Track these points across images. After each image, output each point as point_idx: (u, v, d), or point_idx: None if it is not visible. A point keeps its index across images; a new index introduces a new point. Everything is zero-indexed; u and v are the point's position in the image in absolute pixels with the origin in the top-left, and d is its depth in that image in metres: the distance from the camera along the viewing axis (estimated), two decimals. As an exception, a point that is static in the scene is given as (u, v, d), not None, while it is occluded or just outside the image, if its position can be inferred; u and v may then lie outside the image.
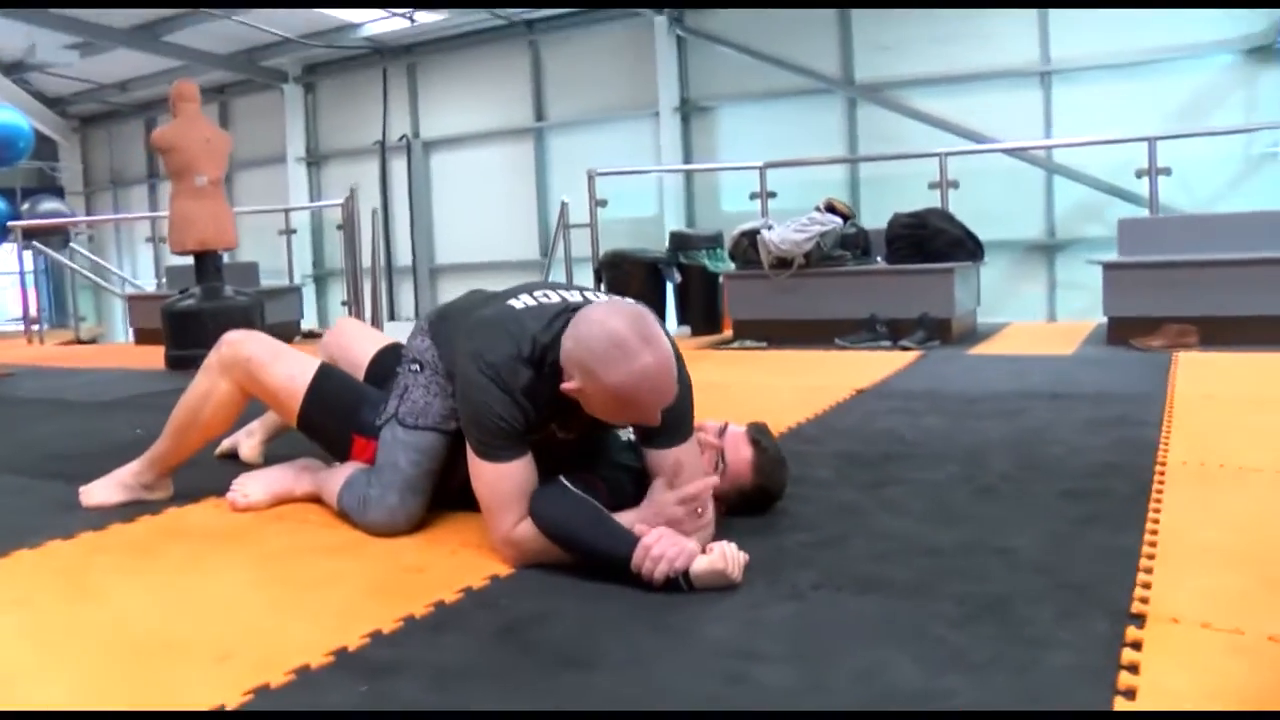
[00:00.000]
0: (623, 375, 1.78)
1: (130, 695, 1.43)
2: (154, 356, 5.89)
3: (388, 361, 2.52)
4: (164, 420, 2.48)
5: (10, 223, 7.54)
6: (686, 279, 6.55)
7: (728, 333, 6.14)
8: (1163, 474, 2.40)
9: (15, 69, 12.47)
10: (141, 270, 12.92)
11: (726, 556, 1.73)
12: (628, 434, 2.24)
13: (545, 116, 12.16)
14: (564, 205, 7.32)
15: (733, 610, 1.65)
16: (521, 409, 1.91)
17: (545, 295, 2.07)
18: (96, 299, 12.91)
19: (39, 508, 2.52)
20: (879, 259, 5.60)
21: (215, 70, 12.97)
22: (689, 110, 11.13)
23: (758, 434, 2.19)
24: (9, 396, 4.73)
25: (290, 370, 2.40)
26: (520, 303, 2.04)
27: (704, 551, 1.75)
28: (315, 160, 13.74)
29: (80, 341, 8.19)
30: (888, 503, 2.26)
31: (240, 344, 2.42)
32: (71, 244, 9.13)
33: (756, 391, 3.91)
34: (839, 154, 9.92)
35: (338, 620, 1.67)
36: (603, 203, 6.85)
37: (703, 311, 6.57)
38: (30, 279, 8.26)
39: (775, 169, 6.96)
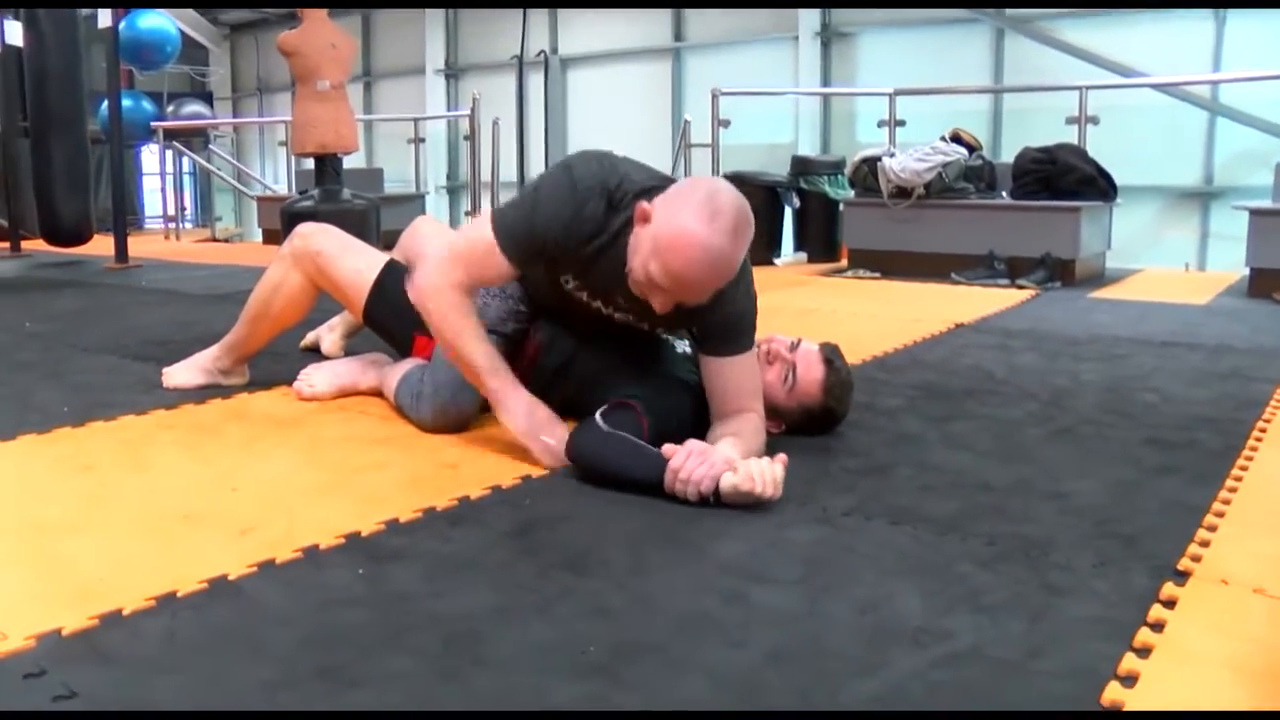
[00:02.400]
0: (689, 228, 1.70)
1: (147, 556, 1.49)
2: (275, 255, 6.07)
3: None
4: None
5: (153, 123, 7.83)
6: (806, 204, 6.38)
7: (844, 262, 5.97)
8: (1262, 433, 2.21)
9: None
10: (280, 173, 13.34)
11: (753, 476, 1.66)
12: (683, 345, 2.18)
13: (684, 37, 11.92)
14: (686, 123, 7.19)
15: (754, 530, 1.59)
16: (566, 225, 1.86)
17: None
18: (237, 201, 13.40)
19: (125, 385, 2.64)
20: (1004, 194, 5.32)
21: (359, -20, 13.15)
22: (829, 35, 10.73)
23: (830, 354, 2.11)
24: (130, 286, 4.95)
25: (357, 265, 2.42)
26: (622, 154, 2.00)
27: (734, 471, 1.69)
28: (454, 73, 13.83)
29: (215, 240, 8.53)
30: (950, 436, 2.15)
31: (311, 237, 2.44)
32: (211, 146, 9.46)
33: (850, 318, 3.78)
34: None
35: (362, 507, 1.69)
36: (725, 123, 6.66)
37: (821, 238, 6.40)
38: (172, 180, 8.62)
39: (909, 97, 6.66)
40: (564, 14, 12.86)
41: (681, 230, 1.71)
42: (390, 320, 2.42)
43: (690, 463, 1.69)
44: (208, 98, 12.81)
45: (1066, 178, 5.02)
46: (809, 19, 10.58)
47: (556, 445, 1.90)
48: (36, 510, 1.71)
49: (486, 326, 2.15)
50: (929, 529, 1.59)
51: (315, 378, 2.51)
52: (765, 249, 6.04)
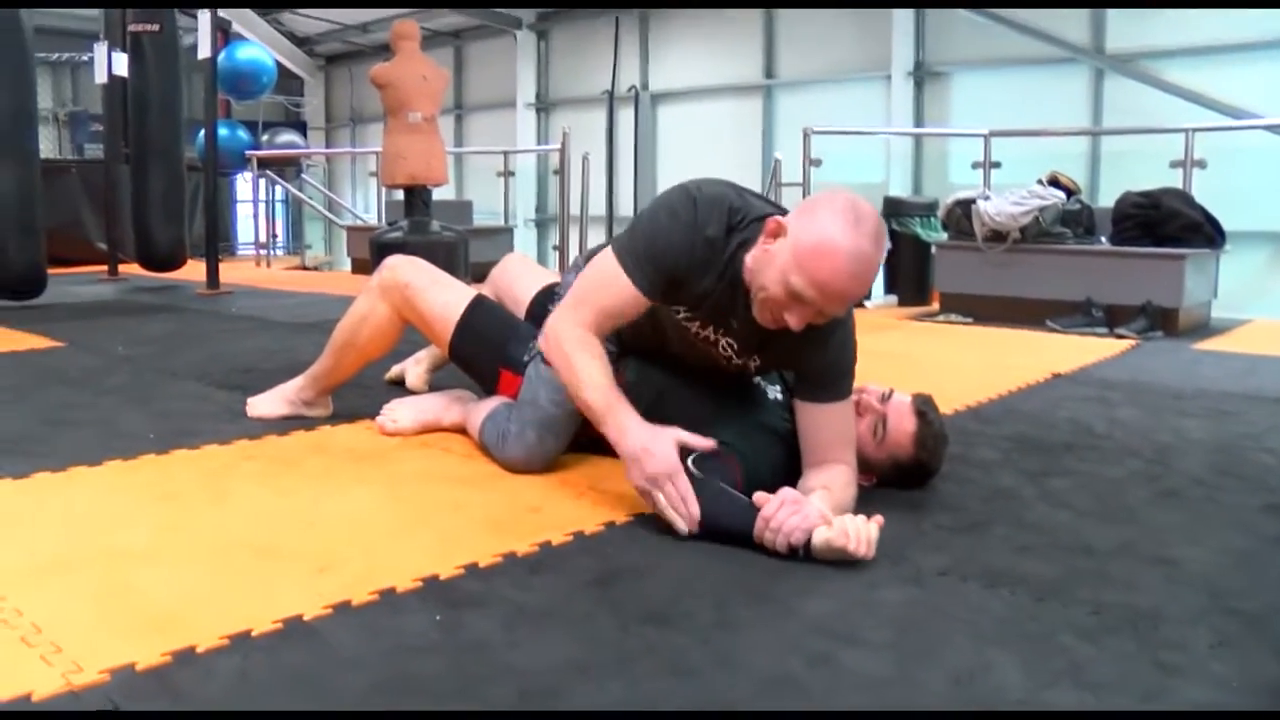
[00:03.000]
0: (836, 234, 1.65)
1: (223, 592, 1.48)
2: (363, 285, 6.16)
3: (548, 299, 2.50)
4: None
5: (247, 152, 8.07)
6: (897, 247, 6.25)
7: (936, 305, 5.85)
8: (1392, 499, 2.07)
9: (269, 8, 13.31)
10: (370, 203, 13.61)
11: (849, 533, 1.60)
12: (776, 391, 2.13)
13: (775, 74, 11.91)
14: (777, 162, 7.16)
15: (844, 588, 1.53)
16: (691, 250, 1.83)
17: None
18: (327, 229, 13.71)
19: (210, 414, 2.67)
20: (1103, 239, 5.15)
21: (452, 15, 13.42)
22: (922, 75, 10.62)
23: (923, 405, 2.04)
24: (220, 313, 5.06)
25: (445, 299, 2.41)
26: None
27: (828, 525, 1.63)
28: (545, 107, 14.01)
29: (305, 268, 8.71)
30: (1049, 493, 2.05)
31: (399, 269, 2.45)
32: (303, 175, 9.69)
33: (943, 366, 3.68)
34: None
35: (441, 548, 1.66)
36: (817, 162, 6.61)
37: (912, 281, 6.27)
38: (264, 207, 8.85)
39: (1004, 139, 6.53)
40: (655, 49, 12.96)
41: (827, 236, 1.66)
42: (476, 355, 2.41)
43: (783, 512, 1.63)
44: (301, 127, 13.18)
45: (1170, 224, 4.84)
46: (902, 58, 10.48)
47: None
48: (116, 538, 1.72)
49: None
50: (1027, 593, 1.51)
51: (398, 413, 2.50)
52: (854, 291, 5.93)
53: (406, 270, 2.44)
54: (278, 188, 9.47)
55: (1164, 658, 1.30)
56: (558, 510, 1.89)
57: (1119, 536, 1.79)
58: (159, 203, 5.97)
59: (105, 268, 6.99)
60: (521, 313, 2.54)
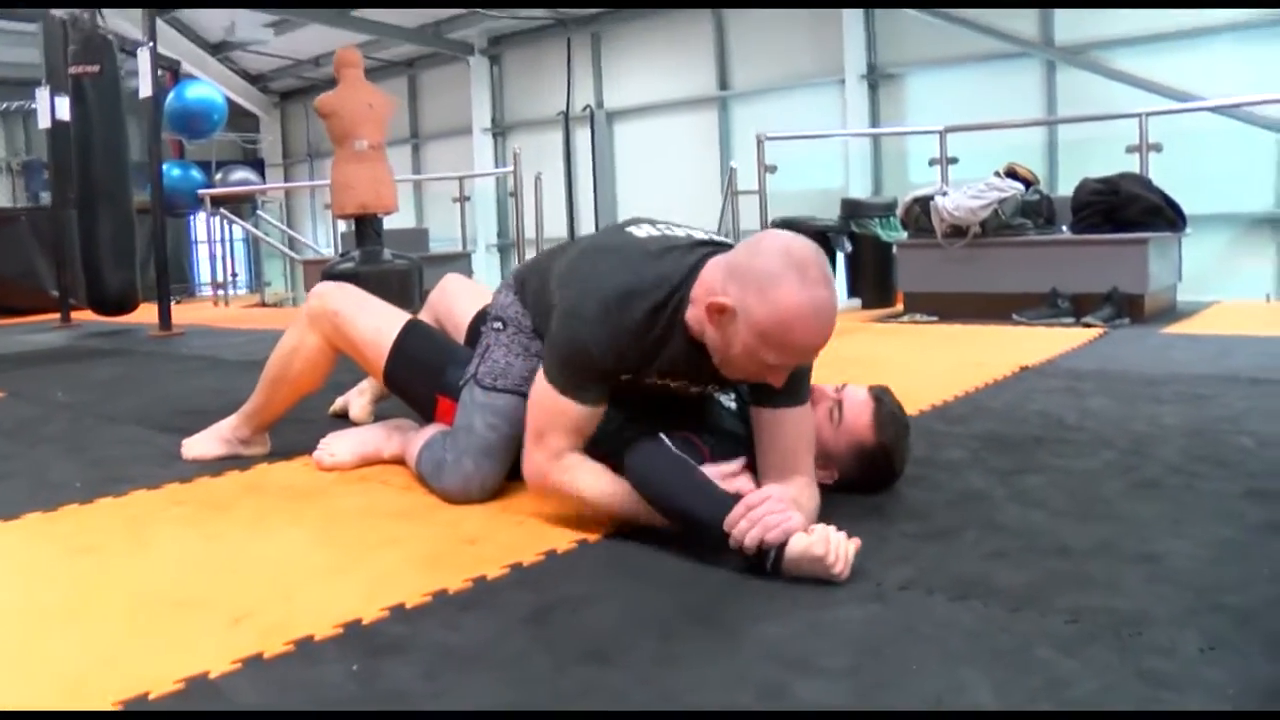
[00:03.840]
0: (793, 300, 1.55)
1: (131, 651, 1.37)
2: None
3: (481, 322, 2.37)
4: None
5: (199, 190, 7.92)
6: (858, 249, 6.18)
7: (900, 306, 5.76)
8: (1377, 476, 1.97)
9: (220, 48, 13.21)
10: (330, 237, 13.47)
11: (830, 543, 1.48)
12: (729, 400, 2.02)
13: (729, 85, 11.87)
14: (732, 171, 7.08)
15: (797, 609, 1.40)
16: (621, 350, 1.72)
17: (668, 227, 1.88)
18: (288, 266, 13.52)
19: (144, 458, 2.54)
20: (1064, 229, 5.09)
21: (404, 44, 13.33)
22: (876, 78, 10.60)
23: (879, 392, 1.95)
24: (169, 354, 4.91)
25: (377, 324, 2.28)
26: (642, 231, 1.85)
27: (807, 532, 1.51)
28: (501, 131, 13.91)
29: (265, 305, 8.55)
30: (1021, 493, 1.94)
31: (327, 296, 2.32)
32: (259, 212, 9.54)
33: (907, 367, 3.57)
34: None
35: (368, 590, 1.54)
36: (771, 168, 6.53)
37: (874, 283, 6.17)
38: (222, 246, 8.69)
39: (959, 134, 6.47)
40: (609, 67, 12.91)
41: (785, 306, 1.56)
42: (412, 382, 2.28)
43: (767, 506, 1.51)
44: (259, 165, 13.00)
45: (1130, 208, 4.78)
46: (854, 61, 10.46)
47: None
48: (27, 597, 1.60)
49: (508, 387, 2.00)
50: (1000, 604, 1.39)
51: (336, 446, 2.37)
52: (817, 296, 5.83)
53: (334, 297, 2.31)
54: (235, 226, 9.31)
55: (1150, 666, 1.19)
56: (496, 541, 1.77)
57: (1097, 534, 1.68)
58: (108, 246, 5.83)
59: (58, 315, 6.82)
60: (461, 336, 2.42)
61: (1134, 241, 4.70)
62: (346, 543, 1.80)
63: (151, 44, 5.58)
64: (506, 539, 1.77)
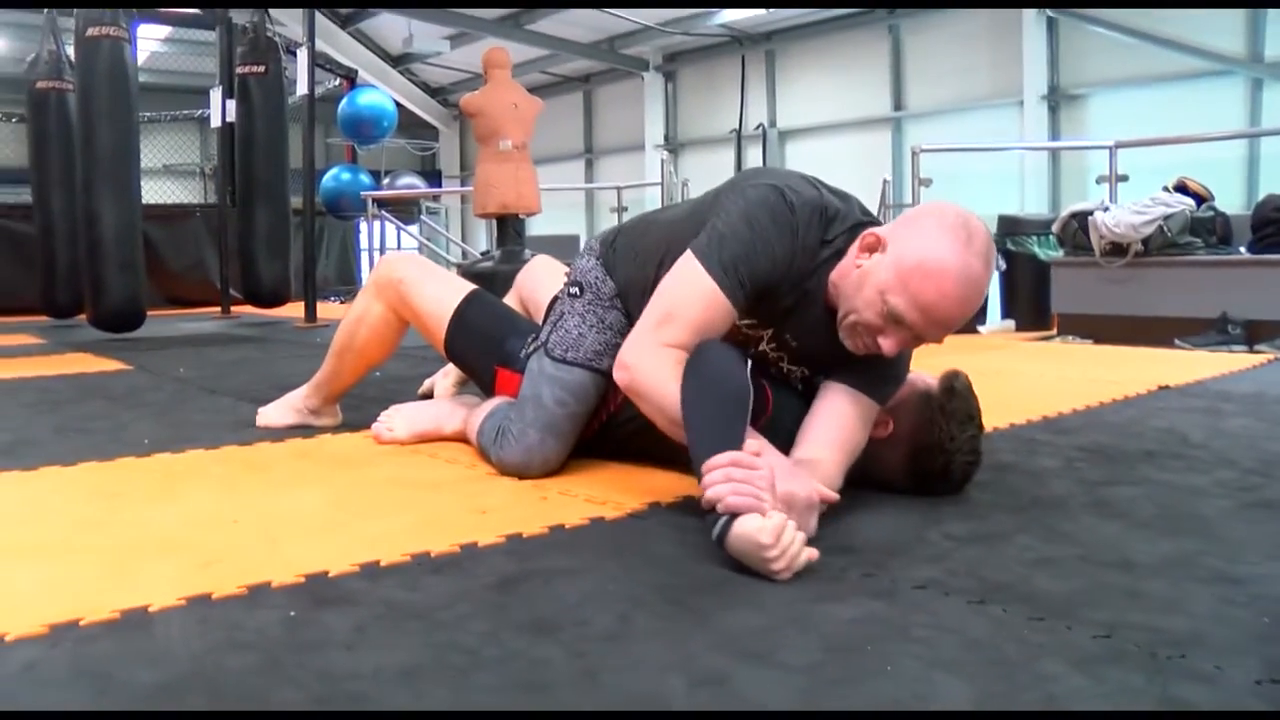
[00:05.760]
0: (947, 253, 1.47)
1: (92, 583, 1.34)
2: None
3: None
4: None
5: (363, 193, 8.22)
6: (1013, 267, 5.83)
7: (1055, 330, 5.37)
8: None
9: (401, 60, 13.74)
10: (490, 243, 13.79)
11: (780, 538, 1.29)
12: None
13: (904, 106, 11.55)
14: (884, 184, 6.81)
15: (783, 600, 1.24)
16: (794, 260, 1.60)
17: None
18: (448, 268, 13.83)
19: (220, 424, 2.58)
20: (1240, 249, 4.62)
21: (579, 59, 13.53)
22: (1057, 99, 10.08)
23: (952, 376, 1.72)
24: (304, 343, 5.03)
25: (439, 294, 2.22)
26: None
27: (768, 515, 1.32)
28: (674, 147, 13.93)
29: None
30: (1102, 503, 1.70)
31: (394, 264, 2.29)
32: (423, 217, 9.83)
33: (1031, 378, 3.29)
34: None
35: (353, 547, 1.47)
36: (926, 182, 6.23)
37: (1030, 304, 5.79)
38: (385, 249, 8.99)
39: (1140, 151, 6.02)
40: (782, 86, 12.77)
41: (934, 253, 1.47)
42: (471, 352, 2.21)
43: (753, 476, 1.34)
44: (433, 176, 13.42)
45: (1319, 229, 4.31)
46: (1034, 81, 9.98)
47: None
48: (33, 531, 1.61)
49: (579, 360, 1.90)
50: (1023, 612, 1.19)
51: (394, 421, 2.33)
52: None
53: (401, 266, 2.28)
54: (399, 230, 9.63)
55: (1180, 693, 0.98)
56: (507, 513, 1.67)
57: (1173, 550, 1.44)
58: (263, 241, 6.10)
59: (218, 307, 7.18)
60: (542, 316, 2.34)
61: (1320, 264, 4.22)
62: (358, 506, 1.74)
63: (309, 44, 5.80)
64: (520, 512, 1.67)
